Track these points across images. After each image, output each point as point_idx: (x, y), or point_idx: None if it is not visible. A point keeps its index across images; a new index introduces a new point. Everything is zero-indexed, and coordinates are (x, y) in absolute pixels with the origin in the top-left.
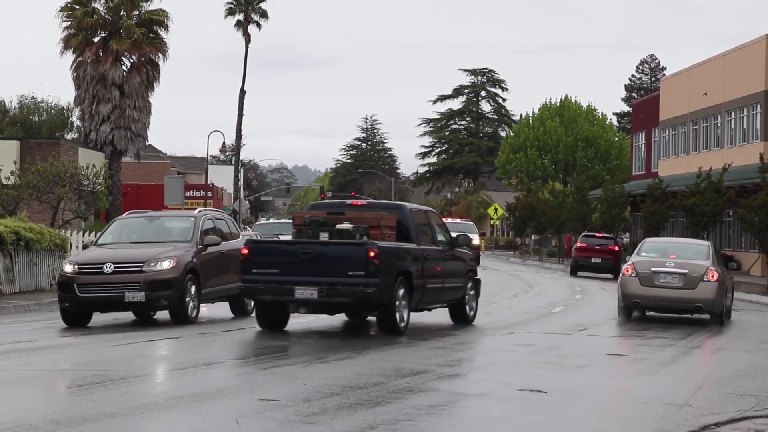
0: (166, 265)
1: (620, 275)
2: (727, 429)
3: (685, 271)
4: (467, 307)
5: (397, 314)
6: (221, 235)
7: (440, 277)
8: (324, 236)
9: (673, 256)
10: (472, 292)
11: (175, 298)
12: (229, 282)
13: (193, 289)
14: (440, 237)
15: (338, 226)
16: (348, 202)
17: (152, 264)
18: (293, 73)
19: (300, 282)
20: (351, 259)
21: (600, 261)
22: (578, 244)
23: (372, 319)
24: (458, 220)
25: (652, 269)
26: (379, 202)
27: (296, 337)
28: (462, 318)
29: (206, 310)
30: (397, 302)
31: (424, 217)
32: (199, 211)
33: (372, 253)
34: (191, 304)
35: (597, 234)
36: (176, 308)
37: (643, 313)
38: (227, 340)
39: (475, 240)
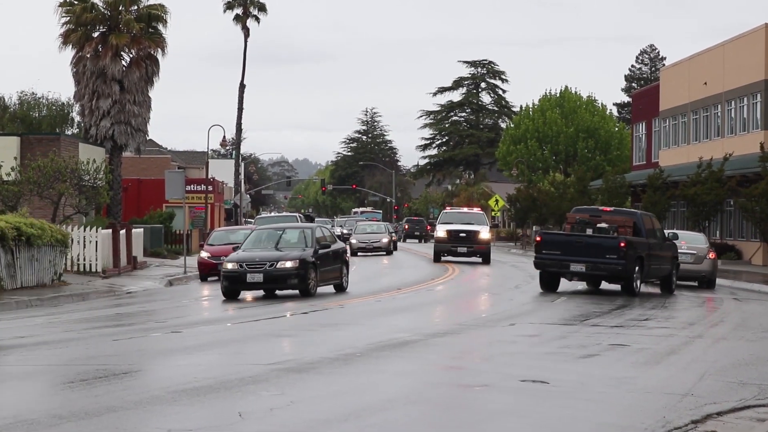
0: None
1: None
2: (730, 418)
3: (695, 251)
4: (672, 281)
5: (634, 283)
6: None
7: (658, 260)
8: (589, 231)
9: (684, 242)
10: (674, 271)
11: None
12: None
13: None
14: (658, 233)
15: (598, 225)
16: (600, 208)
17: None
18: (292, 67)
19: (574, 260)
20: (608, 246)
21: None
22: None
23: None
24: (464, 209)
25: None
26: (621, 210)
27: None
28: (668, 288)
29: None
30: (635, 275)
31: (650, 220)
32: None
33: (622, 244)
34: None
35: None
36: None
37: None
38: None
39: (484, 233)
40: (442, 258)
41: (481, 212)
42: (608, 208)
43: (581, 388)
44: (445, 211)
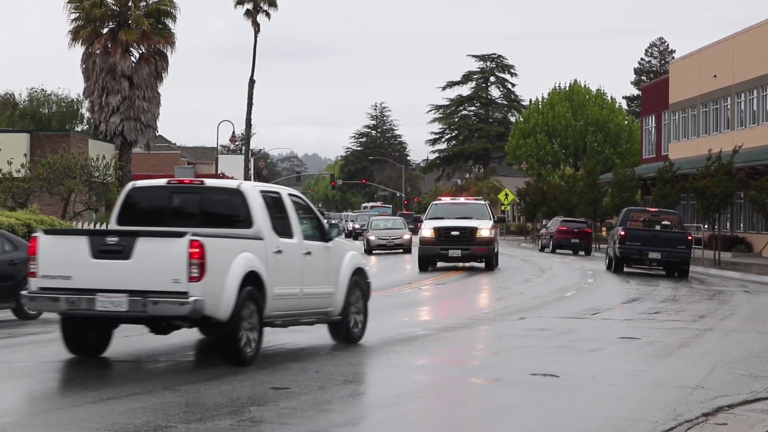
0: None
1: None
2: (741, 410)
3: None
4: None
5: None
6: None
7: None
8: (657, 227)
9: None
10: None
11: None
12: None
13: None
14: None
15: (663, 222)
16: (648, 209)
17: None
18: (301, 62)
19: (651, 250)
20: (679, 239)
21: (578, 241)
22: (558, 228)
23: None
24: (461, 200)
25: None
26: (664, 210)
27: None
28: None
29: None
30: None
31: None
32: None
33: (690, 237)
34: None
35: (574, 219)
36: None
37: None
38: None
39: (485, 230)
40: (431, 267)
41: (482, 202)
42: (654, 209)
43: (592, 382)
44: (435, 202)
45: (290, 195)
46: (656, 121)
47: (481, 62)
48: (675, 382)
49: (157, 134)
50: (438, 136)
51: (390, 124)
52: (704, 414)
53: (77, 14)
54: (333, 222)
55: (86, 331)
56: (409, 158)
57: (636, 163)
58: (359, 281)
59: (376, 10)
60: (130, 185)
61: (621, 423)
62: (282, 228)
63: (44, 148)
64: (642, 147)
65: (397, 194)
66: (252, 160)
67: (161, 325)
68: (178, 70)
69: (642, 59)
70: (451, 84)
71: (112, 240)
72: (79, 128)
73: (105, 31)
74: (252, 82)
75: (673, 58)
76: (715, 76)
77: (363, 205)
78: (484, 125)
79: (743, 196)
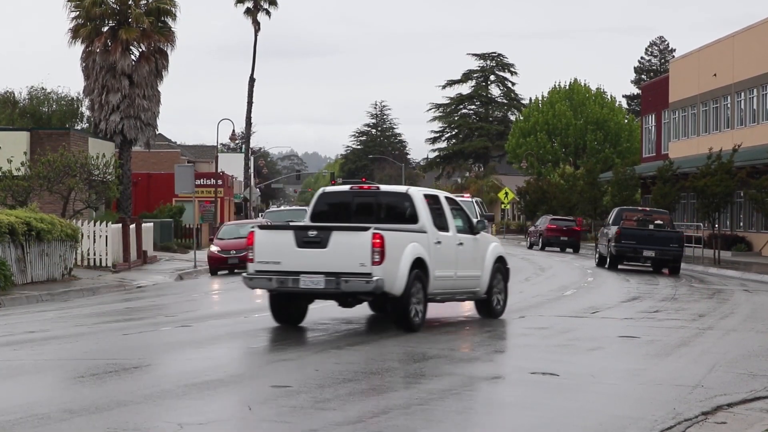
0: None
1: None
2: (740, 409)
3: None
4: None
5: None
6: None
7: None
8: (651, 227)
9: None
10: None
11: None
12: None
13: None
14: None
15: (656, 222)
16: (639, 208)
17: None
18: (301, 61)
19: (645, 248)
20: (672, 238)
21: (567, 239)
22: (548, 226)
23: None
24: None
25: None
26: (655, 209)
27: None
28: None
29: None
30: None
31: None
32: None
33: (682, 236)
34: None
35: (563, 218)
36: None
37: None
38: None
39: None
40: None
41: (470, 200)
42: (647, 208)
43: (592, 381)
44: None
45: (446, 198)
46: (656, 119)
47: (481, 61)
48: (674, 381)
49: (157, 132)
50: (438, 134)
51: (390, 123)
52: (704, 413)
53: (77, 12)
54: (479, 219)
55: (289, 305)
56: (409, 157)
57: (636, 162)
58: (500, 267)
59: (375, 9)
60: (320, 191)
61: (621, 422)
62: (440, 223)
63: (44, 147)
64: (642, 146)
65: None
66: (252, 158)
67: (348, 300)
68: (178, 69)
69: (642, 58)
70: (451, 82)
71: (312, 233)
72: (79, 126)
73: (105, 29)
74: (252, 80)
75: (673, 56)
76: (715, 74)
77: None
78: (484, 124)
79: (743, 194)
